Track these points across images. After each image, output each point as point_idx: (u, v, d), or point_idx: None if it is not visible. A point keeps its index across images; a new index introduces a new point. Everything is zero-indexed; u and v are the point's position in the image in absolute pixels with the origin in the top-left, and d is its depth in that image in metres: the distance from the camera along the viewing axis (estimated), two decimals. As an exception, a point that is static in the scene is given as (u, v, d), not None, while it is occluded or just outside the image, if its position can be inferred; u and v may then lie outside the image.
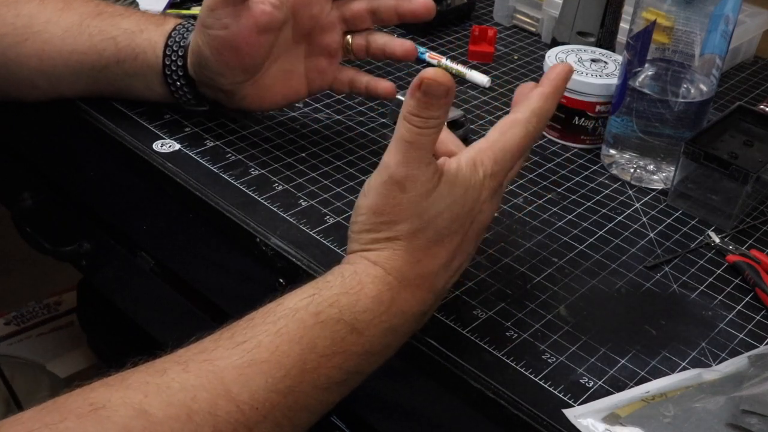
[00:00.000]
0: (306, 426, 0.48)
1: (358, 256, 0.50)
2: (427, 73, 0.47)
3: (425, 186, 0.48)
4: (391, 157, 0.48)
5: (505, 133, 0.52)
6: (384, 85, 0.69)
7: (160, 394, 0.42)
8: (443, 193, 0.49)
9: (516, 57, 0.93)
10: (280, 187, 0.66)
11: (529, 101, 0.53)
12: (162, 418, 0.41)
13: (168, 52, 0.67)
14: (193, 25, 0.67)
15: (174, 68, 0.67)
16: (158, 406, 0.41)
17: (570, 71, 0.54)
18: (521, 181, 0.71)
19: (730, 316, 0.58)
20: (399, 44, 0.67)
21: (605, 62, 0.76)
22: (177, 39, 0.67)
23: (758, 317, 0.58)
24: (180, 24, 0.68)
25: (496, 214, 0.66)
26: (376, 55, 0.68)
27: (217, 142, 0.70)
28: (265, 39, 0.64)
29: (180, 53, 0.67)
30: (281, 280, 0.61)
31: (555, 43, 0.86)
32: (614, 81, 0.72)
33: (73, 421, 0.40)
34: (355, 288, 0.48)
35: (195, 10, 0.92)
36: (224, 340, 0.46)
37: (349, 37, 0.68)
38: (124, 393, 0.42)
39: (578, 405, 0.50)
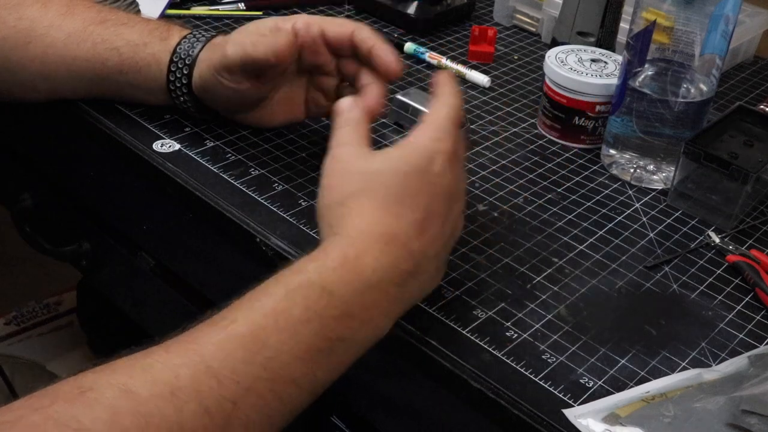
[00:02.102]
0: (296, 403, 0.47)
1: (324, 237, 0.52)
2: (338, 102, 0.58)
3: (355, 150, 0.54)
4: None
5: (438, 110, 0.56)
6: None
7: (144, 374, 0.43)
8: (378, 156, 0.54)
9: (516, 57, 0.93)
10: (280, 187, 0.66)
11: (437, 95, 0.58)
12: (147, 396, 0.42)
13: (173, 69, 0.67)
14: (199, 36, 0.67)
15: (179, 84, 0.68)
16: (143, 386, 0.42)
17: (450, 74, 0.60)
18: (521, 181, 0.71)
19: (730, 316, 0.58)
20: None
21: (605, 62, 0.76)
22: (182, 56, 0.67)
23: (758, 317, 0.58)
24: (184, 38, 0.68)
25: (496, 214, 0.66)
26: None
27: (217, 142, 0.71)
28: (271, 84, 0.66)
29: (185, 71, 0.67)
30: (281, 280, 0.61)
31: (555, 43, 0.86)
32: (614, 81, 0.72)
33: (62, 404, 0.41)
34: (320, 255, 0.50)
35: (195, 10, 0.92)
36: (204, 323, 0.47)
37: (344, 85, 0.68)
38: (110, 376, 0.43)
39: (578, 405, 0.50)
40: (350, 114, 0.57)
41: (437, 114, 0.56)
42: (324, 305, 0.47)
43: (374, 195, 0.52)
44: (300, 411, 0.48)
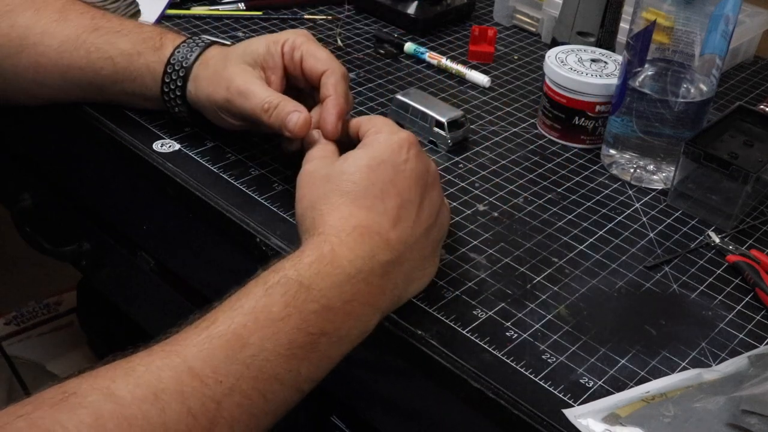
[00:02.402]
0: (281, 401, 0.48)
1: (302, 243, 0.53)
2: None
3: (322, 162, 0.57)
4: None
5: (368, 118, 0.59)
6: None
7: (127, 377, 0.43)
8: (340, 160, 0.56)
9: (516, 57, 0.93)
10: (280, 187, 0.66)
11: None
12: (130, 399, 0.42)
13: (167, 80, 0.67)
14: (192, 45, 0.67)
15: (173, 96, 0.67)
16: (126, 389, 0.42)
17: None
18: (521, 181, 0.71)
19: (730, 316, 0.58)
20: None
21: (605, 62, 0.76)
22: (176, 68, 0.66)
23: (758, 317, 0.58)
24: (177, 49, 0.67)
25: (496, 214, 0.66)
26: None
27: (217, 142, 0.70)
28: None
29: (179, 83, 0.67)
30: (281, 280, 0.61)
31: (555, 43, 0.86)
32: (614, 81, 0.72)
33: (46, 410, 0.41)
34: (296, 254, 0.51)
35: (195, 10, 0.92)
36: (185, 326, 0.47)
37: None
38: (93, 380, 0.43)
39: (578, 405, 0.50)
40: (317, 135, 0.60)
41: (372, 117, 0.60)
42: (303, 300, 0.48)
43: (342, 192, 0.53)
44: (287, 409, 0.48)
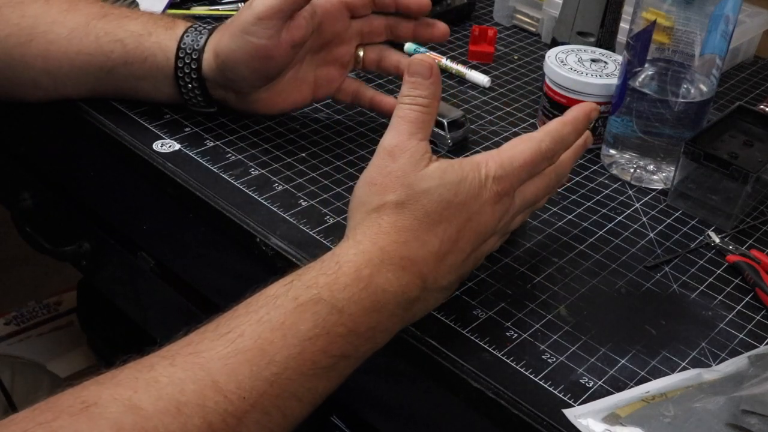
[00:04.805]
0: (297, 416, 0.47)
1: (345, 238, 0.52)
2: (414, 56, 0.54)
3: (414, 157, 0.52)
4: (385, 134, 0.53)
5: (516, 146, 0.54)
6: (388, 101, 0.72)
7: (149, 388, 0.43)
8: (434, 173, 0.51)
9: (516, 57, 0.93)
10: (280, 187, 0.66)
11: (548, 124, 0.56)
12: (152, 412, 0.42)
13: (181, 55, 0.67)
14: (202, 29, 0.68)
15: (187, 71, 0.68)
16: (148, 401, 0.42)
17: (595, 111, 0.58)
18: (521, 181, 0.71)
19: (730, 316, 0.58)
20: None
21: (605, 62, 0.76)
22: (190, 42, 0.67)
23: (758, 317, 0.58)
24: (191, 27, 0.68)
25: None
26: (388, 70, 0.72)
27: (217, 142, 0.71)
28: (294, 52, 0.66)
29: (194, 56, 0.67)
30: (281, 280, 0.61)
31: (555, 43, 0.86)
32: (614, 81, 0.72)
33: (66, 419, 0.40)
34: (333, 268, 0.49)
35: (195, 10, 0.92)
36: (209, 333, 0.46)
37: (360, 50, 0.71)
38: (114, 390, 0.42)
39: (578, 405, 0.50)
40: (422, 94, 0.54)
41: (516, 149, 0.54)
42: (333, 323, 0.47)
43: (411, 215, 0.51)
44: (299, 422, 0.48)
